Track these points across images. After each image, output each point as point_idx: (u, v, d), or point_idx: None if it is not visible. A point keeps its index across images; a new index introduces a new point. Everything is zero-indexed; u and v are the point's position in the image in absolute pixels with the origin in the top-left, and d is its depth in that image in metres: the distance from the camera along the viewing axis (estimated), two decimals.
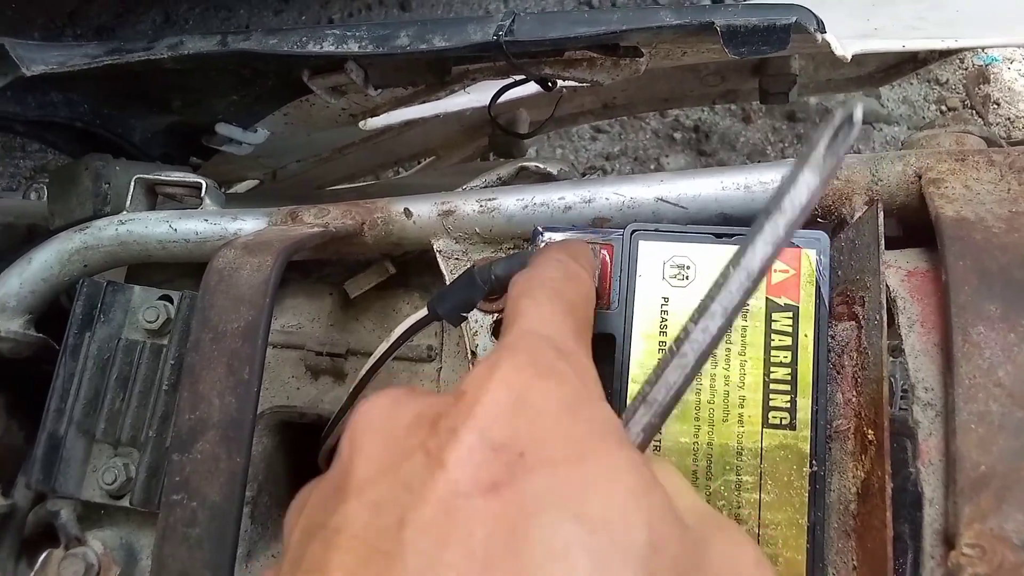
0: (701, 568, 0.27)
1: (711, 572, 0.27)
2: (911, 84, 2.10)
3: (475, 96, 0.77)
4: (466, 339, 0.56)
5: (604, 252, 0.48)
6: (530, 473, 0.26)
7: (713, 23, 0.53)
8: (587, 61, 0.62)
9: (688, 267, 0.46)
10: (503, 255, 0.57)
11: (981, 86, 2.07)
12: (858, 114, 0.32)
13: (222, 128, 0.78)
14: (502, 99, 0.85)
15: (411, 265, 0.64)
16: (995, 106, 2.06)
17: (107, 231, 0.62)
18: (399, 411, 0.30)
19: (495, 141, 0.99)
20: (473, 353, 0.56)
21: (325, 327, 0.62)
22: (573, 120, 1.01)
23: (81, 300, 0.59)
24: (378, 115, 0.75)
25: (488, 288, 0.47)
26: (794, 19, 0.52)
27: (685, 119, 2.14)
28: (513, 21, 0.58)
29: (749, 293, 0.32)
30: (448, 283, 0.56)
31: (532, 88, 0.71)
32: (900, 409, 0.44)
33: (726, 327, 0.32)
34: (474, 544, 0.24)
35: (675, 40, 0.57)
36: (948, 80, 2.11)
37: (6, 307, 0.60)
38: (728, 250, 0.46)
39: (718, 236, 0.46)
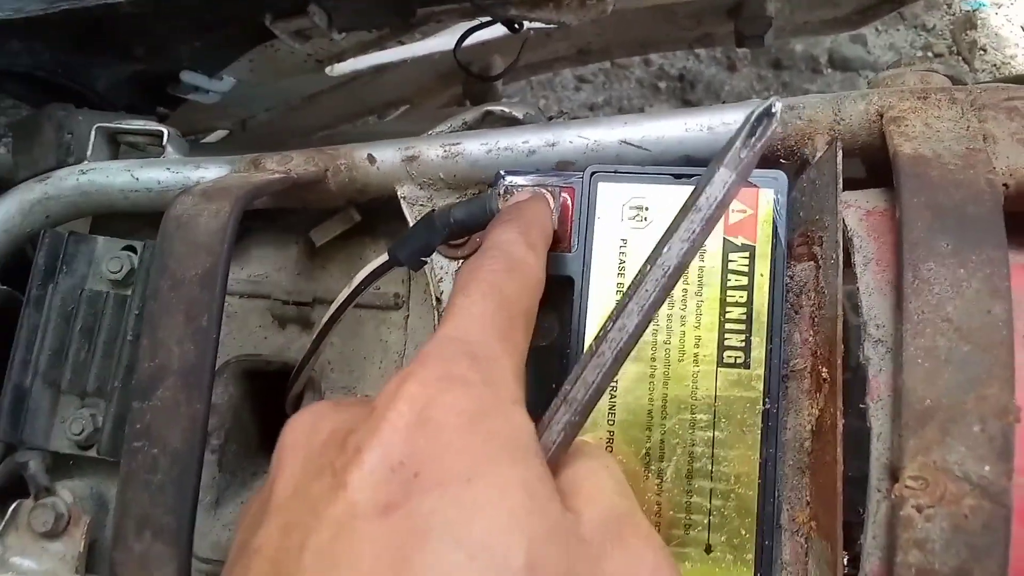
0: None
1: None
2: (897, 31, 2.07)
3: (445, 40, 0.76)
4: (431, 286, 0.56)
5: (565, 195, 0.48)
6: (423, 494, 0.26)
7: None
8: (553, 1, 0.61)
9: (646, 208, 0.46)
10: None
11: (968, 32, 2.04)
12: (776, 107, 0.32)
13: (187, 76, 0.77)
14: (474, 44, 0.83)
15: (378, 212, 0.63)
16: (982, 52, 2.04)
17: (68, 181, 0.61)
18: (319, 427, 0.30)
19: (469, 88, 0.98)
20: (438, 299, 0.56)
21: (291, 276, 0.62)
22: (548, 66, 1.00)
23: (43, 251, 0.58)
24: (345, 60, 0.74)
25: (447, 232, 0.46)
26: None
27: (670, 68, 2.12)
28: None
29: (667, 291, 0.33)
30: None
31: (502, 31, 0.70)
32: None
33: (643, 325, 0.32)
34: (363, 568, 0.25)
35: None
36: (935, 26, 2.08)
37: None
38: (687, 190, 0.45)
39: (677, 177, 0.46)
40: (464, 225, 0.46)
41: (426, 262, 0.49)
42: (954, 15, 2.06)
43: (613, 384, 0.43)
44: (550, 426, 0.32)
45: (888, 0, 0.87)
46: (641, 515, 0.32)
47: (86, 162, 0.63)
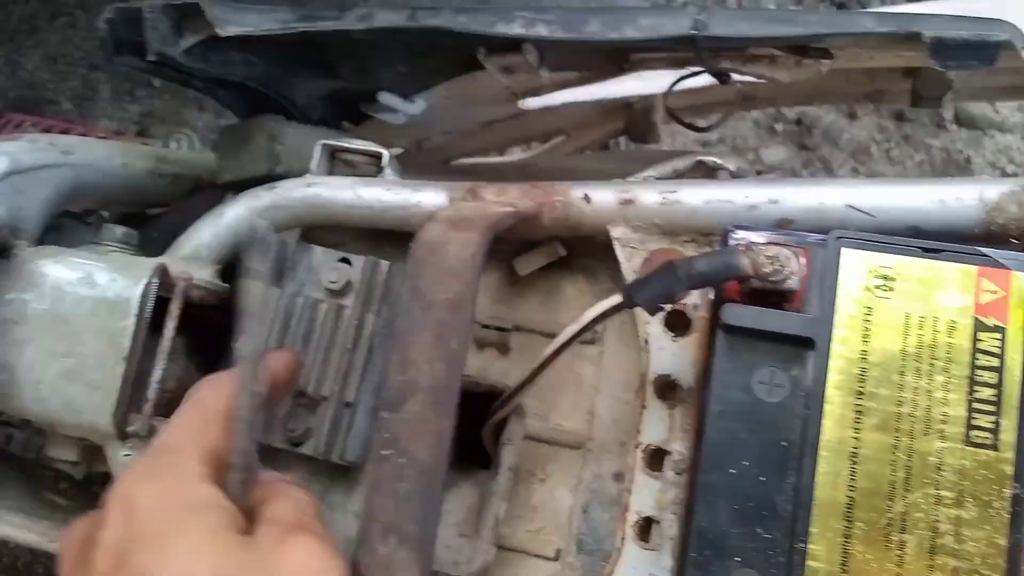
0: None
1: None
2: None
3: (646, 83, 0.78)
4: (639, 328, 0.57)
5: (801, 256, 0.49)
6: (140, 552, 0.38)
7: (920, 34, 0.53)
8: (768, 58, 0.63)
9: (892, 279, 0.47)
10: (704, 250, 0.57)
11: None
12: (262, 226, 0.49)
13: (384, 97, 0.81)
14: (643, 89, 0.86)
15: (576, 247, 0.65)
16: None
17: (295, 192, 0.64)
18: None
19: (631, 126, 1.00)
20: (645, 341, 0.57)
21: (492, 301, 0.65)
22: (710, 109, 1.01)
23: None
24: (540, 95, 0.77)
25: (689, 283, 0.48)
26: (1007, 37, 0.52)
27: (788, 111, 2.11)
28: (708, 16, 0.59)
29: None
30: (622, 270, 0.58)
31: (705, 80, 0.71)
32: None
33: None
34: None
35: (875, 47, 0.57)
36: None
37: (199, 256, 0.64)
38: (936, 265, 0.46)
39: (926, 251, 0.47)
40: (705, 277, 0.48)
41: (663, 308, 0.50)
42: None
43: (854, 450, 0.44)
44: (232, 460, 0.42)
45: None
46: (316, 524, 0.42)
47: (310, 175, 0.66)
